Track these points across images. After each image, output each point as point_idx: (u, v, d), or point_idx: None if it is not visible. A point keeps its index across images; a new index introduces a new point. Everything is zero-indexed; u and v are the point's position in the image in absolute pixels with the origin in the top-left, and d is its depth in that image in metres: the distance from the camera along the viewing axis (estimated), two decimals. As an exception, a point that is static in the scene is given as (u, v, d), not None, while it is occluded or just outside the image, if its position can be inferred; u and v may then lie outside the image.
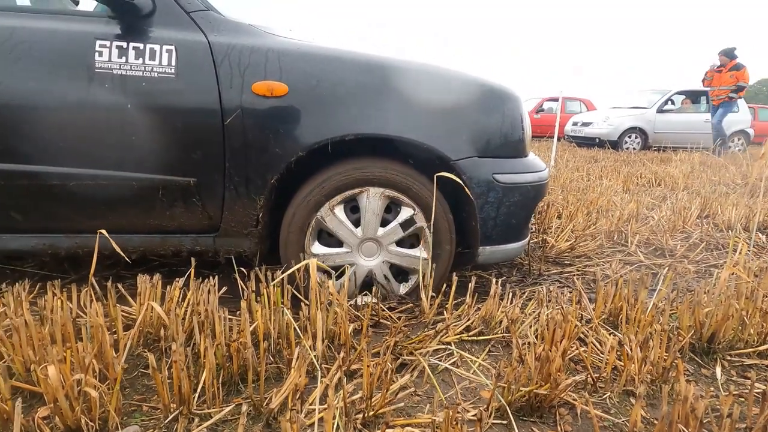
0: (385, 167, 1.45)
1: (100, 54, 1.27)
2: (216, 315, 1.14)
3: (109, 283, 1.23)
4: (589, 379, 1.13)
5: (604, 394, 1.11)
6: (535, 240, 2.35)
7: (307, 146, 1.37)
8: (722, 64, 7.20)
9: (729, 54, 7.10)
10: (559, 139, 7.53)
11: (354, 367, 1.17)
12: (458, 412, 0.80)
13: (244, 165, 1.37)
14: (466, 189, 1.45)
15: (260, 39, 1.38)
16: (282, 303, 1.24)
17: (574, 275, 1.99)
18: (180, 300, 1.28)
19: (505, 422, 1.00)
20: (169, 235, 1.44)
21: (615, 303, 1.48)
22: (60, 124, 1.28)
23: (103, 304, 1.19)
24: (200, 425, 0.94)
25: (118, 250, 1.29)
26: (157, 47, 1.29)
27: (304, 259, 1.46)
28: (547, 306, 1.43)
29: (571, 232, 2.39)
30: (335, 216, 1.44)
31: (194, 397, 0.98)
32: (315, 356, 1.10)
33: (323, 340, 1.17)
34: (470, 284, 1.51)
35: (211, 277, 1.28)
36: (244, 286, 1.41)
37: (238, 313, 1.19)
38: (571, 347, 1.24)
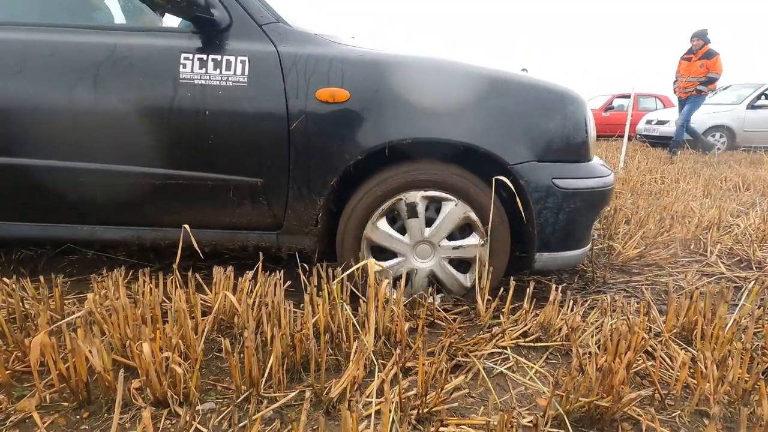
0: (442, 171, 1.46)
1: (184, 66, 1.40)
2: (282, 307, 1.22)
3: (189, 273, 1.36)
4: (657, 395, 1.07)
5: (674, 412, 1.05)
6: (600, 246, 2.24)
7: (366, 150, 1.41)
8: (693, 50, 5.90)
9: (703, 36, 5.81)
10: (630, 139, 7.03)
11: (409, 364, 1.20)
12: (514, 417, 0.80)
13: (306, 167, 1.44)
14: (524, 194, 1.42)
15: (324, 48, 1.44)
16: (341, 299, 1.30)
17: (642, 285, 1.87)
18: (249, 291, 1.38)
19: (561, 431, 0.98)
20: (238, 231, 1.54)
21: (689, 317, 1.38)
22: (151, 130, 1.43)
23: (184, 292, 1.32)
24: (267, 407, 1.01)
25: (195, 245, 1.42)
26: (232, 58, 1.40)
27: (359, 258, 1.52)
28: (611, 316, 1.37)
29: (640, 239, 2.25)
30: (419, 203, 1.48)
31: (262, 381, 1.07)
32: (373, 351, 1.14)
33: (380, 337, 1.21)
34: (528, 289, 1.48)
35: (277, 272, 1.37)
36: (306, 282, 1.49)
37: (301, 306, 1.26)
38: (637, 360, 1.18)
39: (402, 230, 1.52)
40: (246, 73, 1.40)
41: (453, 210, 1.48)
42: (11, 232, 1.56)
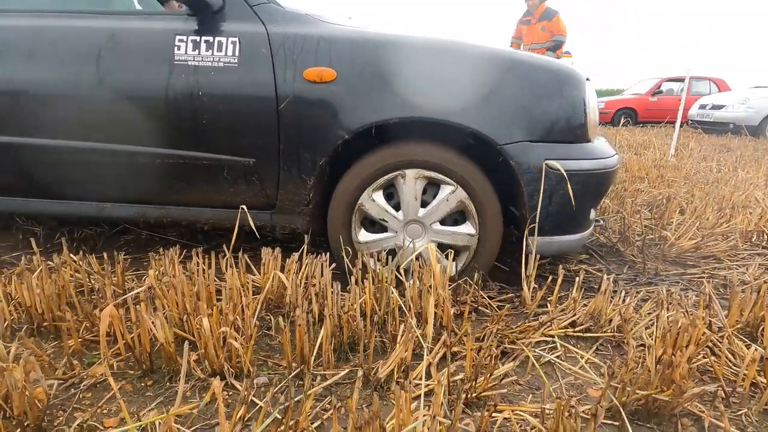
0: (431, 151, 1.42)
1: (179, 48, 1.43)
2: (329, 288, 1.24)
3: (240, 254, 1.41)
4: (721, 393, 1.02)
5: (739, 410, 1.00)
6: (651, 236, 2.14)
7: (353, 130, 1.40)
8: (530, 12, 4.86)
9: None
10: (681, 125, 6.60)
11: (455, 349, 1.19)
12: (572, 405, 0.78)
13: (295, 147, 1.45)
14: (515, 175, 1.38)
15: (313, 27, 1.43)
16: (387, 282, 1.30)
17: (698, 278, 1.77)
18: (296, 272, 1.41)
19: (617, 423, 0.96)
20: (234, 210, 1.55)
21: (755, 312, 1.30)
22: (149, 111, 1.46)
23: (237, 271, 1.37)
24: (318, 384, 1.04)
25: (252, 224, 1.46)
26: (224, 40, 1.41)
27: (349, 239, 1.51)
28: (667, 308, 1.31)
29: (696, 230, 2.12)
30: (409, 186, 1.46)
31: (312, 359, 1.09)
32: (421, 334, 1.14)
33: (427, 321, 1.21)
34: (578, 278, 1.43)
35: (322, 254, 1.39)
36: (349, 264, 1.51)
37: (348, 288, 1.28)
38: (696, 355, 1.12)
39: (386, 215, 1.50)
40: (236, 53, 1.41)
41: (448, 194, 1.44)
42: (31, 207, 1.67)
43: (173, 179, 1.54)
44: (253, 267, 1.55)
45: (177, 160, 1.49)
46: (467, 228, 1.48)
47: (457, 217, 1.52)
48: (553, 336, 1.28)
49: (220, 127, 1.45)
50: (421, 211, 1.48)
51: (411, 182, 1.45)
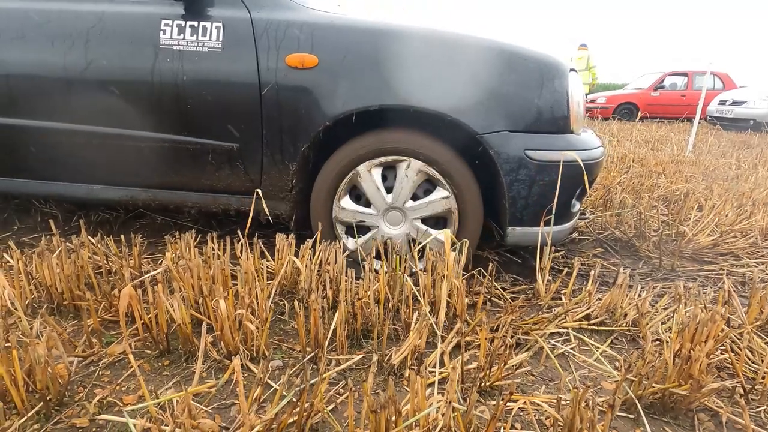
0: (410, 139, 1.41)
1: (164, 32, 1.43)
2: (342, 275, 1.24)
3: (255, 239, 1.41)
4: (739, 389, 1.00)
5: (758, 407, 0.98)
6: (668, 232, 2.10)
7: (333, 116, 1.39)
8: None
9: None
10: (689, 120, 6.39)
11: (468, 338, 1.19)
12: (589, 396, 0.77)
13: (278, 133, 1.45)
14: (494, 165, 1.37)
15: (296, 13, 1.43)
16: (402, 271, 1.30)
17: (716, 274, 1.74)
18: (309, 258, 1.42)
19: (632, 416, 0.95)
20: (220, 194, 1.57)
21: (775, 309, 1.27)
22: (135, 95, 1.47)
23: (252, 255, 1.38)
24: (332, 369, 1.05)
25: (267, 211, 1.47)
26: (208, 24, 1.42)
27: (332, 219, 1.51)
28: (685, 303, 1.29)
29: (715, 227, 2.08)
30: (369, 178, 1.46)
31: (326, 344, 1.10)
32: (434, 322, 1.14)
33: (440, 310, 1.21)
34: (593, 272, 1.42)
35: (337, 240, 1.39)
36: (362, 252, 1.51)
37: (361, 275, 1.28)
38: (714, 351, 1.10)
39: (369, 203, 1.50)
40: (221, 39, 1.42)
41: (411, 172, 1.44)
42: (27, 188, 1.70)
43: (159, 163, 1.55)
44: (266, 253, 1.56)
45: (162, 143, 1.51)
46: (440, 193, 1.47)
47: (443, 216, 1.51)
48: (567, 328, 1.27)
49: (205, 111, 1.46)
50: (405, 199, 1.47)
51: (400, 171, 1.45)
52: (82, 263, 1.30)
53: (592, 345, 1.21)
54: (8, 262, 1.33)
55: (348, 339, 1.17)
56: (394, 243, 1.49)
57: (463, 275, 1.44)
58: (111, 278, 1.41)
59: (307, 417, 0.84)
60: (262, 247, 1.53)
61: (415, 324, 1.11)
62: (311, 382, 0.97)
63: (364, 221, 1.50)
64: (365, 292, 1.20)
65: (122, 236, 1.54)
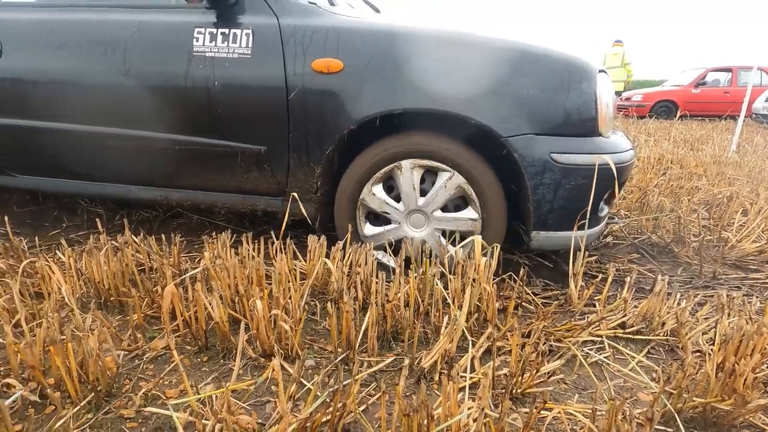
0: (433, 142, 1.42)
1: (197, 40, 1.49)
2: (373, 277, 1.26)
3: (288, 240, 1.45)
4: (787, 405, 0.96)
5: (808, 425, 0.93)
6: (710, 238, 2.02)
7: (358, 120, 1.41)
8: None
9: None
10: (733, 118, 6.02)
11: (498, 344, 1.19)
12: (626, 407, 0.76)
13: (304, 136, 1.48)
14: (519, 168, 1.35)
15: (322, 18, 1.46)
16: (432, 275, 1.31)
17: (762, 283, 1.66)
18: (340, 260, 1.44)
19: (671, 430, 0.92)
20: (248, 195, 1.62)
21: (829, 322, 1.20)
22: (169, 100, 1.53)
23: (285, 256, 1.41)
24: (363, 371, 1.06)
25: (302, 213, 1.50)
26: (239, 31, 1.46)
27: (355, 203, 1.52)
28: (728, 314, 1.23)
29: (761, 233, 1.98)
30: (403, 178, 1.48)
31: (357, 345, 1.12)
32: (465, 327, 1.14)
33: (470, 314, 1.21)
34: (629, 278, 1.38)
35: (367, 243, 1.41)
36: (391, 254, 1.52)
37: (391, 278, 1.29)
38: (761, 365, 1.06)
39: (397, 200, 1.52)
40: (250, 45, 1.46)
41: (451, 185, 1.44)
42: (67, 188, 1.80)
43: (191, 165, 1.62)
44: (298, 254, 1.59)
45: (194, 146, 1.57)
46: (469, 213, 1.48)
47: (459, 203, 1.51)
48: (601, 336, 1.25)
49: (234, 115, 1.51)
50: (421, 200, 1.49)
51: (416, 174, 1.46)
52: (126, 261, 1.37)
53: (628, 354, 1.18)
54: (60, 258, 1.41)
55: (378, 341, 1.19)
56: (413, 244, 1.50)
57: (493, 279, 1.43)
58: (153, 276, 1.48)
59: (339, 417, 0.86)
60: (295, 248, 1.57)
61: (446, 328, 1.11)
62: (344, 383, 0.99)
63: (387, 213, 1.52)
64: (395, 294, 1.21)
65: (162, 235, 1.61)
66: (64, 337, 0.90)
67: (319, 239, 1.46)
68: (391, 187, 1.54)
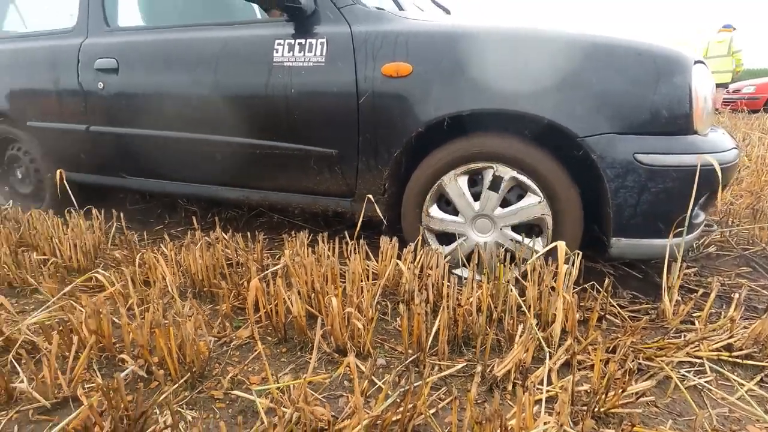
0: (502, 143, 1.37)
1: (277, 51, 1.58)
2: (444, 280, 1.25)
3: (362, 241, 1.49)
4: None
5: None
6: None
7: (426, 122, 1.41)
8: None
9: None
10: None
11: (579, 358, 1.11)
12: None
13: (373, 139, 1.51)
14: (597, 170, 1.26)
15: (393, 24, 1.48)
16: (506, 281, 1.26)
17: None
18: (411, 262, 1.45)
19: (790, 472, 0.80)
20: (320, 196, 1.69)
21: None
22: (251, 108, 1.65)
23: (359, 256, 1.45)
24: (434, 374, 1.06)
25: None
26: (314, 41, 1.54)
27: (421, 225, 1.54)
28: None
29: None
30: (454, 186, 1.47)
31: (427, 348, 1.12)
32: (542, 337, 1.09)
33: (548, 324, 1.15)
34: (737, 294, 1.22)
35: (441, 247, 1.40)
36: (463, 258, 1.49)
37: (464, 281, 1.27)
38: None
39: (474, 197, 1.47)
40: (324, 53, 1.52)
41: (515, 184, 1.40)
42: (168, 188, 2.02)
43: (269, 167, 1.73)
44: (371, 254, 1.63)
45: (273, 150, 1.67)
46: (531, 199, 1.40)
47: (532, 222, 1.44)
48: (701, 358, 1.11)
49: (308, 120, 1.59)
50: (493, 206, 1.44)
51: (488, 175, 1.42)
52: (217, 255, 1.51)
53: (735, 381, 1.05)
54: (163, 251, 1.59)
55: (449, 345, 1.17)
56: (485, 250, 1.46)
57: (574, 288, 1.35)
58: (239, 269, 1.61)
59: (410, 418, 0.87)
60: (367, 248, 1.61)
61: (520, 337, 1.07)
62: (414, 384, 0.99)
63: (452, 229, 1.49)
64: (467, 300, 1.19)
65: (248, 233, 1.74)
66: (166, 321, 1.02)
67: (390, 240, 1.48)
68: (449, 201, 1.52)
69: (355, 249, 1.46)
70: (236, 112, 1.69)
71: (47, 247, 1.72)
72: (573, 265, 1.26)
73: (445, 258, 1.48)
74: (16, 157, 2.36)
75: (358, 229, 1.52)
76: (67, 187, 2.10)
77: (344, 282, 1.36)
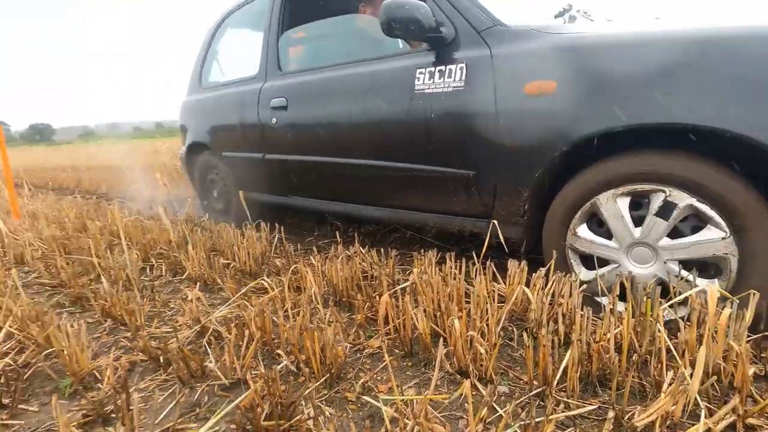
0: (667, 162, 1.18)
1: (418, 80, 1.68)
2: (577, 311, 1.17)
3: (488, 262, 1.49)
4: None
5: None
6: None
7: (572, 141, 1.33)
8: None
9: None
10: None
11: (751, 421, 0.92)
12: None
13: (512, 160, 1.48)
14: None
15: (535, 41, 1.43)
16: (653, 316, 1.12)
17: None
18: (541, 288, 1.39)
19: None
20: (455, 217, 1.72)
21: None
22: (394, 134, 1.77)
23: (484, 278, 1.46)
24: (559, 411, 1.01)
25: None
26: (453, 67, 1.59)
27: (565, 244, 1.42)
28: None
29: None
30: (612, 207, 1.31)
31: (554, 382, 1.06)
32: (699, 391, 0.94)
33: (708, 374, 0.99)
34: None
35: (573, 273, 1.32)
36: (604, 289, 1.37)
37: (601, 315, 1.17)
38: None
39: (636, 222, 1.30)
40: (463, 78, 1.55)
41: (680, 206, 1.19)
42: (319, 206, 2.29)
43: (409, 188, 1.83)
44: (498, 276, 1.61)
45: (412, 172, 1.77)
46: (711, 233, 1.19)
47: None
48: None
49: (446, 143, 1.63)
50: (659, 236, 1.26)
51: (656, 200, 1.25)
52: (355, 269, 1.68)
53: None
54: (312, 263, 1.84)
55: (580, 382, 1.10)
56: (639, 283, 1.29)
57: (749, 337, 1.12)
58: (373, 282, 1.76)
59: (530, 453, 0.85)
60: (495, 270, 1.60)
61: (669, 385, 0.94)
62: (536, 419, 0.96)
63: (602, 254, 1.37)
64: (604, 335, 1.10)
65: (382, 249, 1.89)
66: (312, 325, 1.19)
67: (519, 264, 1.45)
68: (601, 222, 1.39)
69: (482, 270, 1.47)
70: (380, 137, 1.87)
71: (229, 252, 2.15)
72: (747, 307, 1.05)
73: (582, 285, 1.38)
74: (214, 180, 3.01)
75: (484, 250, 1.53)
76: (244, 204, 2.58)
77: (469, 303, 1.38)
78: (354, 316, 1.51)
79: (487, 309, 1.27)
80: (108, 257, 2.10)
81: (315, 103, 2.12)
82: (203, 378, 1.23)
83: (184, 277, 2.05)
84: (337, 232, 2.02)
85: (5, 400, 1.17)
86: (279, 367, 1.21)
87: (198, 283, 1.93)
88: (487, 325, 1.19)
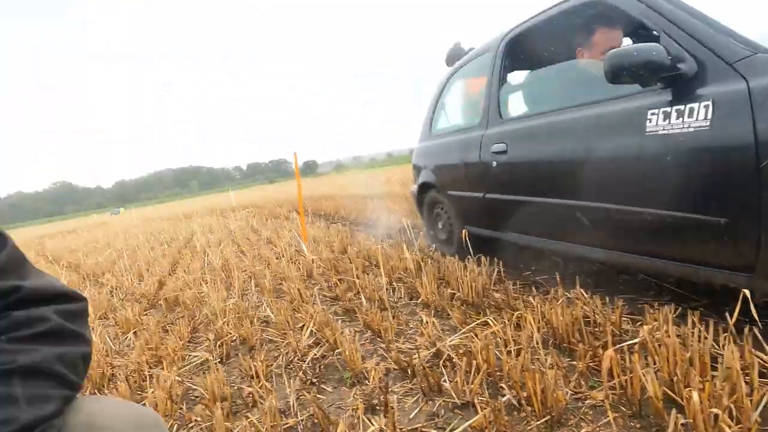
0: None
1: (650, 121, 1.58)
2: None
3: (746, 327, 1.29)
4: None
5: None
6: None
7: None
8: None
9: None
10: None
11: None
12: None
13: None
14: None
15: None
16: None
17: None
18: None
19: None
20: (701, 267, 1.53)
21: None
22: (619, 176, 1.71)
23: (738, 347, 1.27)
24: None
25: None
26: (695, 105, 1.44)
27: None
28: None
29: None
30: None
31: None
32: None
33: None
34: None
35: None
36: None
37: None
38: None
39: None
40: (709, 117, 1.39)
41: None
42: (549, 246, 2.25)
43: (640, 233, 1.70)
44: (764, 345, 1.35)
45: (646, 216, 1.64)
46: None
47: None
48: None
49: (687, 187, 1.49)
50: None
51: None
52: (576, 314, 1.70)
53: None
54: (531, 303, 1.94)
55: None
56: None
57: None
58: (596, 329, 1.73)
59: None
60: (758, 334, 1.36)
61: None
62: None
63: None
64: None
65: (606, 297, 1.83)
66: (534, 366, 1.31)
67: (795, 336, 1.20)
68: None
69: (735, 335, 1.28)
70: (603, 180, 1.85)
71: (454, 283, 2.46)
72: None
73: None
74: (439, 214, 3.46)
75: (735, 314, 1.32)
76: (465, 240, 2.88)
77: (716, 373, 1.23)
78: (574, 363, 1.54)
79: (742, 384, 1.12)
80: (364, 278, 2.71)
81: (533, 147, 2.24)
82: (440, 393, 1.51)
83: (419, 301, 2.46)
84: (557, 274, 2.05)
85: (314, 380, 1.73)
86: (503, 399, 1.38)
87: (431, 308, 2.30)
88: (741, 405, 1.06)
